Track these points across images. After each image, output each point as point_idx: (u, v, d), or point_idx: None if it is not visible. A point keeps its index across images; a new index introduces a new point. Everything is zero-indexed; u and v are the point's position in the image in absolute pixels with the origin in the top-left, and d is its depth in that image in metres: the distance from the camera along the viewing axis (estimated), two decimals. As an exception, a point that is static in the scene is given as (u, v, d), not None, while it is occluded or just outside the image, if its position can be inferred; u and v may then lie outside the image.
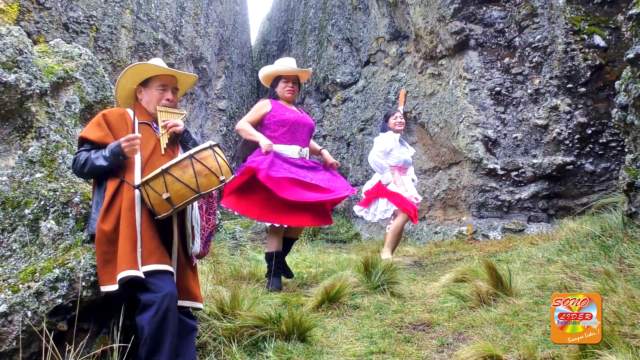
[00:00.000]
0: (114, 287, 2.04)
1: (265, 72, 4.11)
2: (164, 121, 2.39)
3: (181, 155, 2.23)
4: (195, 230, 2.36)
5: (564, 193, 5.64)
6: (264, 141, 3.77)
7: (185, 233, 2.32)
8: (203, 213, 2.46)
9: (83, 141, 2.28)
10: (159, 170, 2.11)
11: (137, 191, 2.16)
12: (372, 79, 8.71)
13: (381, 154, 4.98)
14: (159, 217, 2.16)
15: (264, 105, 4.00)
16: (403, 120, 5.23)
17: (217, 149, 2.25)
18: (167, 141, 2.39)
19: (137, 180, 2.20)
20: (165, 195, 2.09)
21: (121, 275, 2.01)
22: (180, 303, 2.21)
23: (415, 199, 4.96)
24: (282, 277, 4.05)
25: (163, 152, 2.35)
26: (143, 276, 2.03)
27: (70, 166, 2.40)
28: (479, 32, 5.90)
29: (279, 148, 3.86)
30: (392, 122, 5.13)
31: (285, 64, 4.06)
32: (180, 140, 2.48)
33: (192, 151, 2.18)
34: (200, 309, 2.40)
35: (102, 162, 2.18)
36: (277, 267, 3.97)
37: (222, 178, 2.19)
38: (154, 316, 2.02)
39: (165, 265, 2.12)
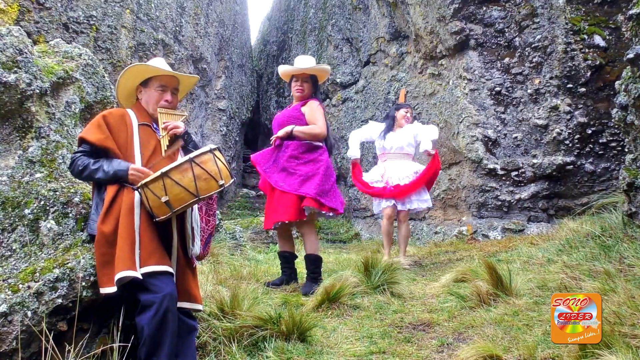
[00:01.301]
0: (112, 289, 2.04)
1: (280, 73, 4.17)
2: (164, 123, 2.38)
3: (181, 158, 2.22)
4: (195, 232, 2.35)
5: (564, 193, 5.64)
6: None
7: (185, 234, 2.32)
8: (203, 214, 2.46)
9: (82, 141, 2.28)
10: (158, 173, 2.11)
11: (136, 193, 2.16)
12: (372, 79, 8.71)
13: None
14: (157, 219, 2.16)
15: None
16: (409, 117, 5.23)
17: (217, 152, 2.24)
18: (167, 143, 2.38)
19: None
20: (164, 199, 2.09)
21: (118, 276, 2.01)
22: (180, 305, 2.21)
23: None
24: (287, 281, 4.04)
25: (164, 154, 2.35)
26: (140, 277, 2.03)
27: (68, 166, 2.39)
28: (479, 32, 5.90)
29: None
30: (400, 114, 5.17)
31: (299, 63, 4.04)
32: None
33: (192, 155, 2.17)
34: (200, 310, 2.40)
35: (100, 175, 2.19)
36: (284, 267, 4.01)
37: (221, 182, 2.18)
38: (153, 317, 2.02)
39: (164, 266, 2.12)
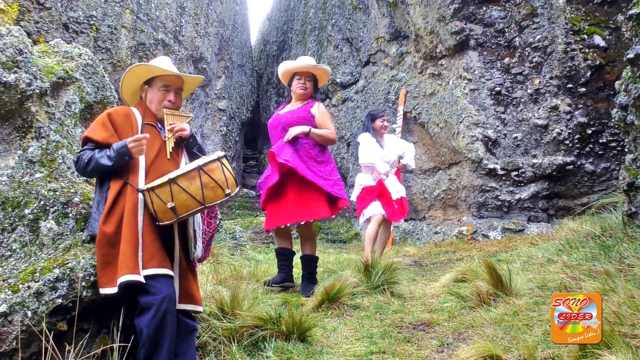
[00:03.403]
0: (113, 290, 2.04)
1: (281, 70, 4.14)
2: (170, 124, 2.37)
3: (189, 165, 2.21)
4: (197, 235, 2.35)
5: (564, 193, 5.64)
6: None
7: (187, 237, 2.31)
8: (205, 217, 2.45)
9: (87, 140, 2.26)
10: (166, 179, 2.10)
11: (140, 194, 2.16)
12: (372, 79, 8.71)
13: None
14: (161, 224, 2.16)
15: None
16: (388, 124, 5.14)
17: (224, 160, 2.24)
18: (172, 145, 2.37)
19: (141, 182, 2.19)
20: (170, 205, 2.09)
21: (122, 279, 2.01)
22: (182, 307, 2.21)
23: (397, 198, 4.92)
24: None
25: (169, 156, 2.34)
26: (143, 280, 2.03)
27: (73, 165, 2.38)
28: (479, 32, 5.90)
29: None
30: (378, 124, 4.99)
31: (302, 62, 4.06)
32: (185, 144, 2.46)
33: (200, 162, 2.16)
34: (200, 312, 2.40)
35: (106, 161, 2.17)
36: (282, 264, 3.97)
37: (227, 191, 2.19)
38: (152, 318, 2.02)
39: (165, 269, 2.12)
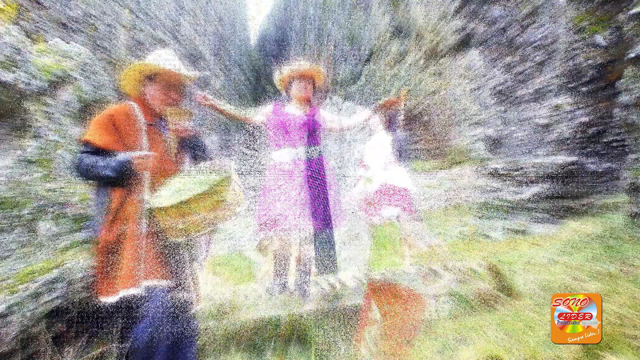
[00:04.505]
0: (112, 299, 2.02)
1: (278, 76, 4.01)
2: (173, 124, 2.34)
3: (200, 186, 2.16)
4: (201, 238, 2.33)
5: (567, 193, 5.62)
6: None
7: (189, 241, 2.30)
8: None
9: (88, 144, 2.20)
10: (177, 201, 2.06)
11: (144, 204, 2.12)
12: (372, 77, 8.69)
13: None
14: (169, 239, 2.13)
15: (267, 106, 3.99)
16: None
17: (234, 174, 2.20)
18: (176, 145, 2.35)
19: (145, 183, 2.16)
20: (181, 225, 2.06)
21: (122, 293, 1.99)
22: (183, 308, 2.20)
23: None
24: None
25: (171, 155, 2.32)
26: (143, 293, 2.01)
27: (73, 167, 2.34)
28: (481, 30, 5.88)
29: (276, 154, 3.79)
30: None
31: (299, 65, 4.00)
32: (187, 142, 2.43)
33: (212, 183, 2.12)
34: (200, 312, 2.39)
35: (109, 172, 2.11)
36: (280, 269, 3.94)
37: (238, 210, 2.17)
38: (149, 325, 2.00)
39: (166, 280, 2.10)
